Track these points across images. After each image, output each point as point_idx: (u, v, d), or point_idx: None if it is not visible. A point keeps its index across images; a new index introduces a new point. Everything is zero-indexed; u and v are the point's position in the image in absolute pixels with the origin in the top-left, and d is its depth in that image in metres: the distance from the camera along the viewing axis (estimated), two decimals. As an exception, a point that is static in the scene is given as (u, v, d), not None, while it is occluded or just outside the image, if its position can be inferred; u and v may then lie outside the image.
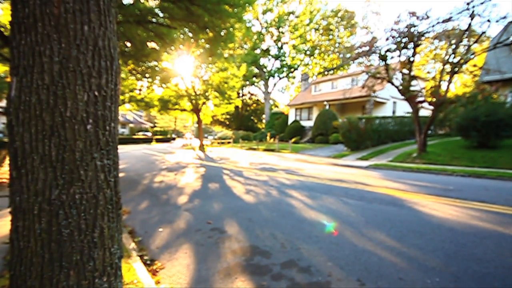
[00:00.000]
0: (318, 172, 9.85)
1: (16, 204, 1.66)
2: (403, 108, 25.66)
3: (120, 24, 6.78)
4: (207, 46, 9.33)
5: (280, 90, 46.81)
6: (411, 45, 12.70)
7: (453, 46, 11.97)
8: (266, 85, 44.09)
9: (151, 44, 8.80)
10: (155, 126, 67.76)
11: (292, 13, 40.10)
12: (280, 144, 23.16)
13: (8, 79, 1.69)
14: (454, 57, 12.09)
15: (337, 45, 45.74)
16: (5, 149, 10.47)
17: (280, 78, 43.75)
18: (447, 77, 12.55)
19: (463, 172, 9.02)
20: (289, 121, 33.68)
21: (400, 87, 13.44)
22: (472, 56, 12.13)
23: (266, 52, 42.14)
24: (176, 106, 26.60)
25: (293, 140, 25.36)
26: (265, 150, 23.16)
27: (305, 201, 5.68)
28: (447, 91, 12.43)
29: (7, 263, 1.77)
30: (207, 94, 25.12)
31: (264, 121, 46.29)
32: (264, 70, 42.47)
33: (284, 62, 41.50)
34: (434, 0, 14.51)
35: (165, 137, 54.16)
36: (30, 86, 1.60)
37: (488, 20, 10.96)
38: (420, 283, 2.57)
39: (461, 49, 12.75)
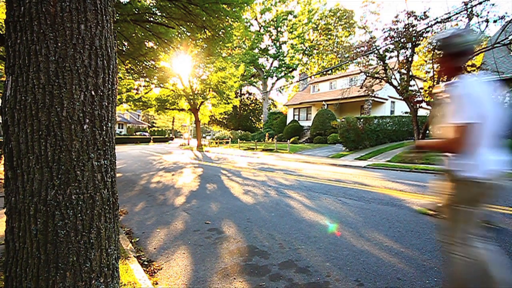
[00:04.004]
0: (317, 172, 9.85)
1: (12, 204, 1.64)
2: (402, 108, 25.73)
3: (118, 23, 6.75)
4: (205, 45, 9.30)
5: (279, 90, 46.73)
6: (409, 45, 12.73)
7: (451, 46, 11.99)
8: (264, 85, 44.10)
9: (149, 44, 8.78)
10: (153, 126, 67.68)
11: (291, 12, 40.12)
12: (279, 144, 23.17)
13: (3, 78, 1.68)
14: (452, 57, 12.11)
15: (335, 44, 45.83)
16: (0, 149, 10.42)
17: (278, 78, 43.77)
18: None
19: (461, 172, 9.03)
20: (288, 121, 33.69)
21: (399, 87, 13.47)
22: (471, 56, 12.17)
23: (264, 51, 42.14)
24: (174, 106, 26.60)
25: (291, 140, 25.38)
26: (263, 150, 23.15)
27: (304, 201, 5.68)
28: (445, 91, 12.45)
29: (2, 265, 1.75)
30: (205, 93, 25.12)
31: (262, 121, 46.30)
32: (263, 69, 42.47)
33: (283, 62, 41.50)
34: (433, 0, 14.53)
35: (163, 137, 54.15)
36: (26, 85, 1.58)
37: (486, 20, 11.00)
38: (419, 283, 2.57)
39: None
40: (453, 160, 1.85)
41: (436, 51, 2.09)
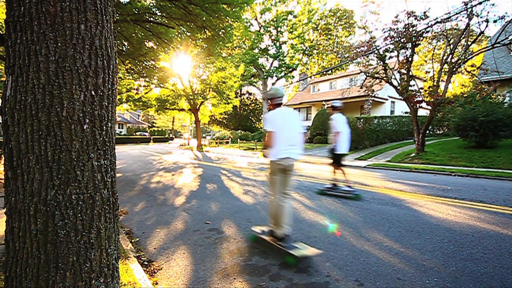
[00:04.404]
0: (316, 172, 9.85)
1: (12, 204, 1.64)
2: (402, 108, 25.74)
3: (118, 23, 6.75)
4: (205, 45, 9.30)
5: (279, 90, 46.56)
6: (409, 45, 12.72)
7: (451, 46, 12.00)
8: (264, 85, 44.05)
9: (149, 44, 8.77)
10: (153, 126, 67.67)
11: (291, 12, 40.07)
12: (279, 144, 23.10)
13: (3, 78, 1.68)
14: (452, 57, 12.12)
15: (335, 44, 45.83)
16: (0, 149, 10.42)
17: (278, 78, 43.70)
18: (445, 77, 12.58)
19: (461, 172, 9.04)
20: (288, 121, 33.60)
21: (399, 87, 13.46)
22: (470, 56, 12.16)
23: (264, 51, 42.08)
24: (174, 106, 26.58)
25: (291, 140, 25.30)
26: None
27: (303, 201, 5.68)
28: (445, 91, 12.45)
29: (2, 265, 1.75)
30: (205, 93, 25.10)
31: (262, 121, 46.28)
32: (263, 69, 42.43)
33: (283, 62, 41.45)
34: (433, 0, 14.54)
35: (163, 137, 54.13)
36: (26, 85, 1.58)
37: (486, 20, 10.98)
38: (419, 283, 2.57)
39: (460, 49, 12.80)
40: (267, 151, 3.43)
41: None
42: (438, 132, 22.36)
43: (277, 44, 41.91)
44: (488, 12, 10.95)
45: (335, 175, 6.33)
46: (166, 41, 8.12)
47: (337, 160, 6.20)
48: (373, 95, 15.30)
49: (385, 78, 13.93)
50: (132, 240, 3.78)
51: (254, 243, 3.60)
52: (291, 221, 3.49)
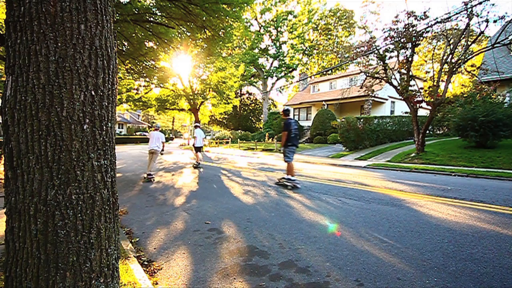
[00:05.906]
0: (316, 172, 9.85)
1: (12, 204, 1.64)
2: (402, 108, 25.74)
3: (118, 23, 6.75)
4: (205, 45, 9.31)
5: (279, 90, 46.68)
6: (409, 45, 12.72)
7: (451, 46, 11.99)
8: (264, 85, 44.06)
9: (149, 44, 8.78)
10: (152, 126, 67.65)
11: (291, 12, 40.08)
12: (279, 144, 23.14)
13: (3, 78, 1.68)
14: (452, 57, 12.11)
15: (335, 44, 45.84)
16: (0, 149, 10.41)
17: (278, 78, 43.72)
18: (445, 77, 12.58)
19: (461, 172, 9.04)
20: (288, 121, 33.62)
21: (399, 87, 13.46)
22: (470, 56, 12.15)
23: (264, 51, 42.10)
24: (174, 106, 26.58)
25: (291, 140, 25.30)
26: (263, 150, 23.15)
27: (304, 202, 5.68)
28: (445, 91, 12.45)
29: (2, 265, 1.75)
30: (205, 93, 25.09)
31: (262, 121, 46.29)
32: (263, 69, 42.43)
33: (283, 62, 41.46)
34: (433, 0, 14.52)
35: (163, 137, 53.97)
36: (26, 85, 1.58)
37: (486, 20, 10.98)
38: (419, 283, 2.57)
39: (460, 49, 12.79)
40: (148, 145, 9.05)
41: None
42: (438, 132, 22.34)
43: (277, 44, 41.92)
44: (488, 12, 10.96)
45: (197, 157, 11.75)
46: (166, 41, 8.12)
47: (196, 149, 11.99)
48: (373, 95, 15.30)
49: (385, 78, 13.93)
50: (132, 240, 3.78)
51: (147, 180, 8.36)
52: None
